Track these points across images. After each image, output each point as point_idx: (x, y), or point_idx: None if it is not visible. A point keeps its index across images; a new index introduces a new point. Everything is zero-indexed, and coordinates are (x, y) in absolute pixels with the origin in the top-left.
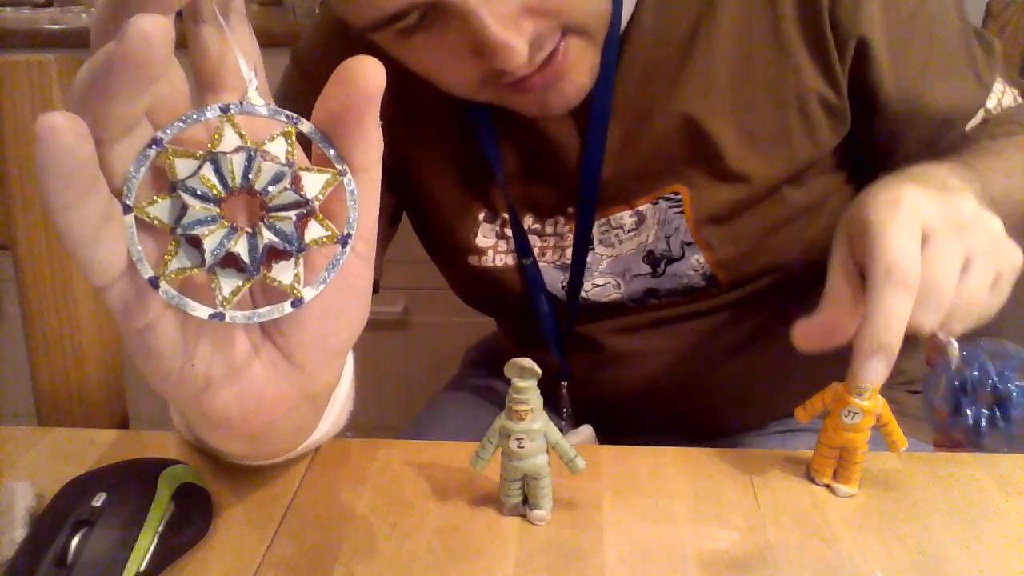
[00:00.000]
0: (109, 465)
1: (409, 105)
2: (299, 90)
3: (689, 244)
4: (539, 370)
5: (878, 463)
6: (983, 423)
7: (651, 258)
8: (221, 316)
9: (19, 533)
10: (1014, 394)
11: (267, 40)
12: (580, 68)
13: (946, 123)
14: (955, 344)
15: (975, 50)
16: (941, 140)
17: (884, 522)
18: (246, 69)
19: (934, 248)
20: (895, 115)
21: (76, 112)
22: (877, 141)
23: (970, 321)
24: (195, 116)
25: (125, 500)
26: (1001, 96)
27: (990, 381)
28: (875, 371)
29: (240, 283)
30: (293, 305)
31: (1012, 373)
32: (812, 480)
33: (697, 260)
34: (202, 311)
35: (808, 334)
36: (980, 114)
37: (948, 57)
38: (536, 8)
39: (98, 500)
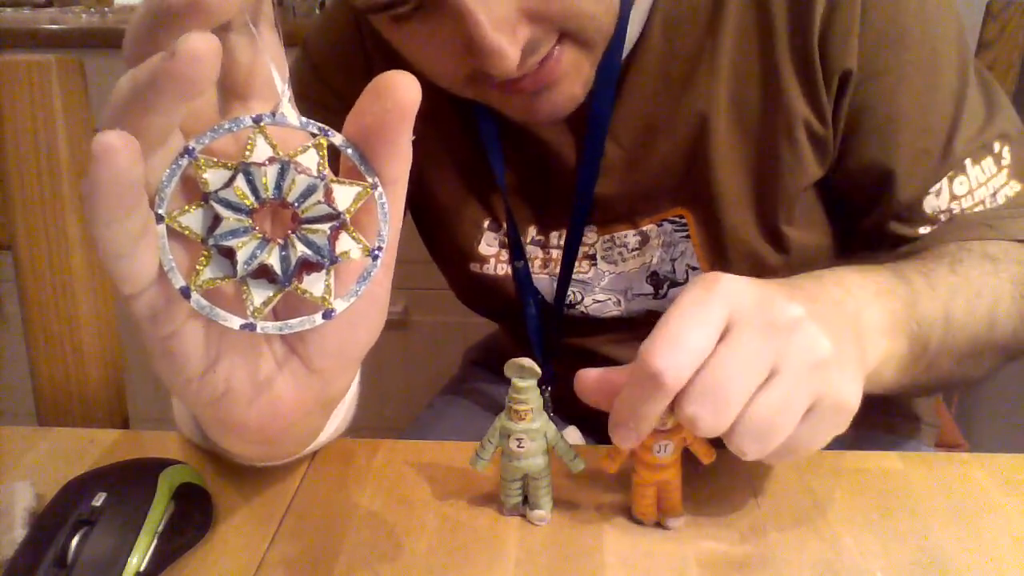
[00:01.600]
0: (109, 465)
1: (422, 109)
2: (309, 83)
3: (694, 269)
4: (539, 370)
5: (878, 463)
6: None
7: (654, 279)
8: (252, 327)
9: (19, 533)
10: None
11: None
12: (573, 78)
13: (883, 180)
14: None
15: (962, 118)
16: (884, 203)
17: (884, 522)
18: (279, 81)
19: (729, 343)
20: (840, 154)
21: (113, 121)
22: (834, 183)
23: (767, 446)
24: (227, 126)
25: (125, 500)
26: (977, 186)
27: None
28: (620, 439)
29: (271, 294)
30: (324, 317)
31: None
32: (640, 523)
33: None
34: (233, 321)
35: (585, 385)
36: (944, 196)
37: (911, 111)
38: (535, 14)
39: (98, 500)
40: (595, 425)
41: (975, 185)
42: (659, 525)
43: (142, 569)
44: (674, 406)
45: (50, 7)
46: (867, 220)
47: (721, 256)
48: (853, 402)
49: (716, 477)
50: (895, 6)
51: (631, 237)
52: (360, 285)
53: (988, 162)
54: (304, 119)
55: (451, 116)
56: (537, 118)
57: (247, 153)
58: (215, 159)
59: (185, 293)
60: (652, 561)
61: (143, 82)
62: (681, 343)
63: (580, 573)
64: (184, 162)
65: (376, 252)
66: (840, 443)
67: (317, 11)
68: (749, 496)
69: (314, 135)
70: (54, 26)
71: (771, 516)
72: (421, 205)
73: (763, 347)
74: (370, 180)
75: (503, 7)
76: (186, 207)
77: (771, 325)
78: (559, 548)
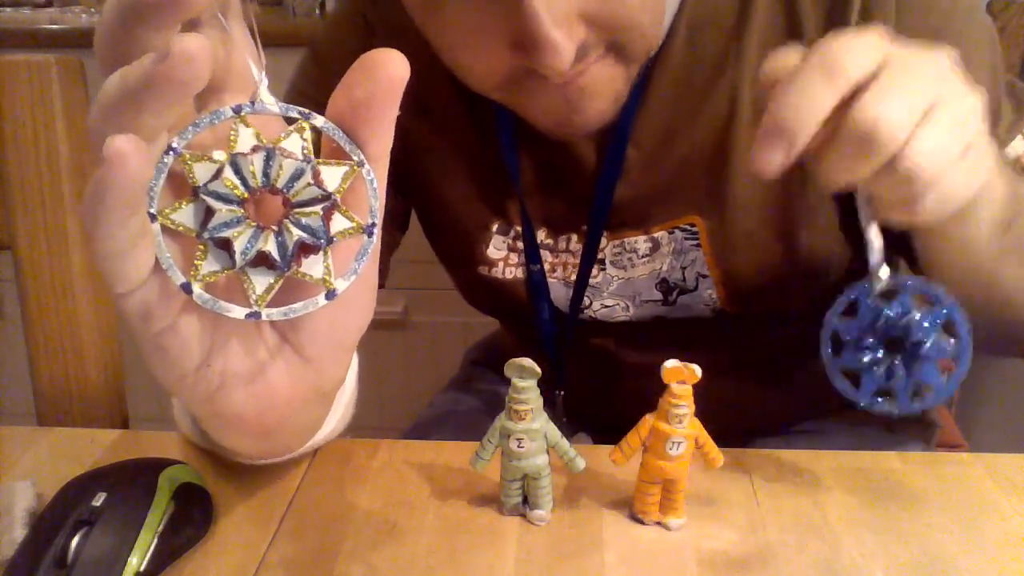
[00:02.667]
0: (109, 465)
1: (431, 111)
2: (316, 81)
3: (704, 276)
4: (539, 370)
5: (878, 463)
6: (878, 374)
7: (664, 286)
8: (257, 315)
9: (19, 533)
10: (927, 346)
11: (267, 40)
12: (607, 92)
13: None
14: (885, 269)
15: (996, 122)
16: None
17: (884, 522)
18: (255, 69)
19: (888, 76)
20: None
21: (103, 121)
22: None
23: (925, 188)
24: (208, 119)
25: (125, 500)
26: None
27: (907, 326)
28: (766, 158)
29: (272, 280)
30: (327, 297)
31: (932, 324)
32: (640, 521)
33: (710, 295)
34: (237, 311)
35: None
36: None
37: None
38: (594, 16)
39: (98, 500)
40: (605, 429)
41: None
42: (659, 524)
43: (142, 569)
44: (847, 117)
45: (50, 7)
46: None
47: (732, 265)
48: (991, 157)
49: (716, 477)
50: (928, 11)
51: (641, 243)
52: (359, 263)
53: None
54: (284, 104)
55: (464, 118)
56: (568, 129)
57: (231, 143)
58: (200, 153)
59: (187, 289)
60: (652, 561)
61: (135, 84)
62: (846, 44)
63: (580, 573)
64: (169, 159)
65: (371, 228)
66: (841, 443)
67: (317, 11)
68: (749, 496)
69: (295, 119)
70: (54, 26)
71: (771, 516)
72: (429, 209)
73: (922, 85)
74: (356, 158)
75: (564, 3)
76: (176, 204)
77: (929, 70)
78: (559, 548)
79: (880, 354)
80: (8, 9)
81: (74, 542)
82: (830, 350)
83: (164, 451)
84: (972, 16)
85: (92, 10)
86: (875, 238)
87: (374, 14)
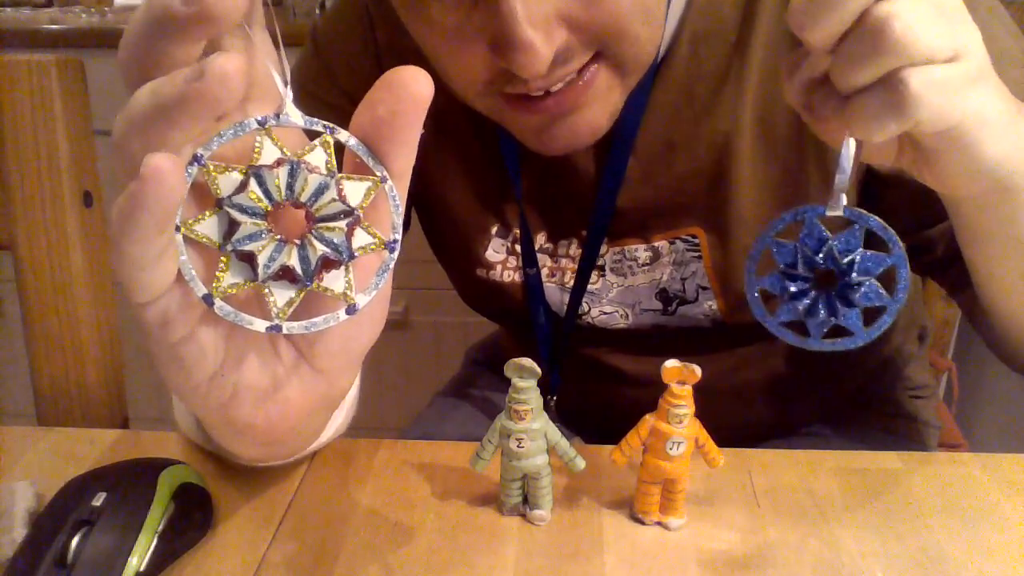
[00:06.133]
0: (109, 465)
1: (434, 112)
2: (316, 75)
3: (705, 288)
4: (539, 370)
5: (878, 463)
6: (799, 307)
7: (664, 296)
8: (278, 328)
9: (19, 533)
10: (861, 292)
11: None
12: (602, 106)
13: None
14: (852, 144)
15: None
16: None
17: (884, 522)
18: (280, 82)
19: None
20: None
21: (132, 135)
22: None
23: (922, 112)
24: (233, 131)
25: (125, 500)
26: None
27: (849, 264)
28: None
29: (293, 295)
30: (348, 312)
31: (875, 269)
32: (640, 521)
33: (710, 306)
34: (259, 324)
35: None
36: None
37: None
38: (574, 21)
39: (98, 500)
40: (600, 435)
41: None
42: (659, 524)
43: (142, 569)
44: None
45: (50, 7)
46: (911, 238)
47: (733, 278)
48: (982, 62)
49: (716, 477)
50: None
51: (642, 252)
52: (380, 278)
53: None
54: (309, 118)
55: (467, 120)
56: (552, 147)
57: (255, 156)
58: (224, 164)
59: (208, 300)
60: (652, 561)
61: (168, 101)
62: None
63: (580, 573)
64: (194, 170)
65: (392, 244)
66: (840, 444)
67: (318, 11)
68: (749, 496)
69: (320, 133)
70: (54, 26)
71: (771, 516)
72: (430, 210)
73: (961, 18)
74: (379, 174)
75: (543, 5)
76: (200, 215)
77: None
78: (559, 548)
79: (807, 286)
80: (8, 9)
81: (74, 542)
82: (754, 268)
83: (164, 451)
84: (996, 11)
85: (92, 10)
86: (847, 156)
87: (376, 9)
